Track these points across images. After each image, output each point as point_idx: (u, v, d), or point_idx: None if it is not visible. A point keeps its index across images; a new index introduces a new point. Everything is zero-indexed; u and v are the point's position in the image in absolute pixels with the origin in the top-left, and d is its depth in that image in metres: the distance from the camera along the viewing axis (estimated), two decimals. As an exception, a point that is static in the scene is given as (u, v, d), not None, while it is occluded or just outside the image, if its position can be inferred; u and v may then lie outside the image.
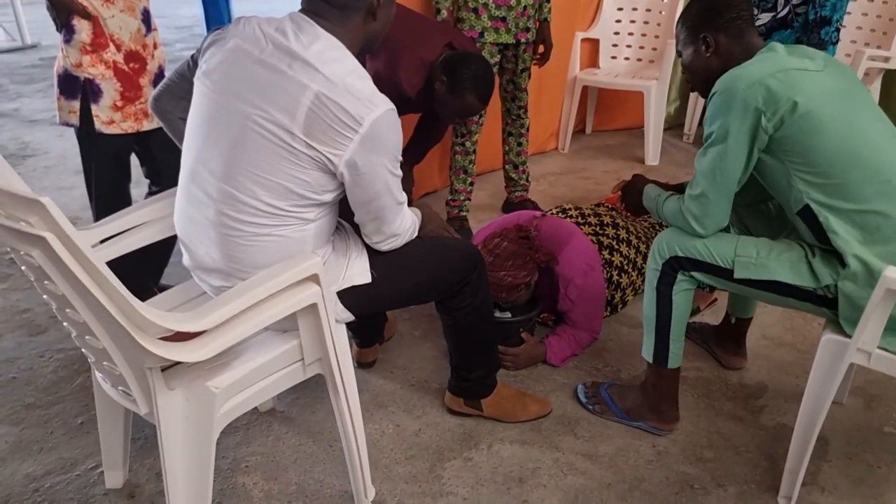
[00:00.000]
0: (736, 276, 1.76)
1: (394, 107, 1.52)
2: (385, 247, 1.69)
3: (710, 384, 2.27)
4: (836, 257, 1.66)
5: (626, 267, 2.62)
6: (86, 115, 2.20)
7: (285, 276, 1.45)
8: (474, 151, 3.21)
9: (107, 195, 2.36)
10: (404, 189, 2.83)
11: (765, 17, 2.34)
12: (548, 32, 3.16)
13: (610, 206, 2.94)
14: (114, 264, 1.37)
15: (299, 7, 1.58)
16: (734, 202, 1.76)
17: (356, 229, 1.72)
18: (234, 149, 1.50)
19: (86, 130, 2.23)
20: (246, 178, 1.50)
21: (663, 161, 4.21)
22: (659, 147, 4.20)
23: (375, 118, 1.47)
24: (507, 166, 3.45)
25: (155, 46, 2.36)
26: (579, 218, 2.71)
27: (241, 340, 1.47)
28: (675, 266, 1.84)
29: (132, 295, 1.27)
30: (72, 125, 2.24)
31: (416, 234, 1.76)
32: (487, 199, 3.71)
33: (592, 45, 4.40)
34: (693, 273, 1.83)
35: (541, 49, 3.17)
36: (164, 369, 1.45)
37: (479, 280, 1.89)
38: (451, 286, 1.85)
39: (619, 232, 2.67)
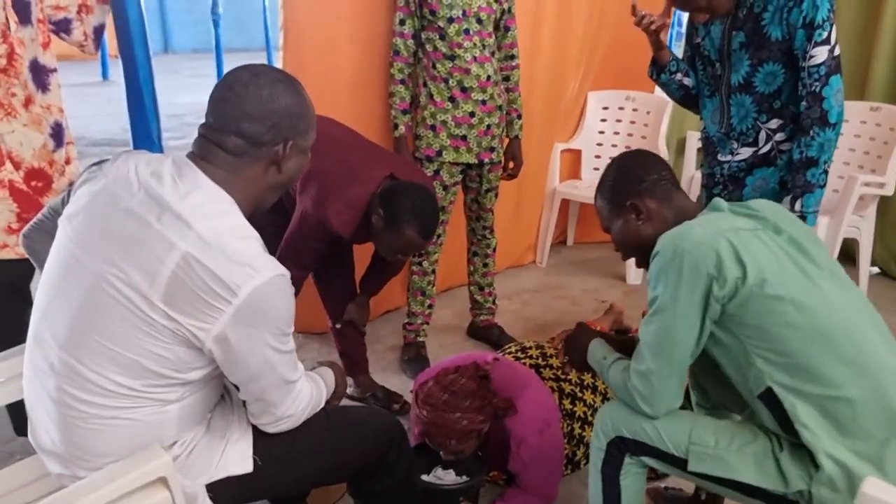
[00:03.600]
0: (690, 468, 1.46)
1: (284, 272, 1.26)
2: (273, 430, 1.40)
3: (680, 573, 1.93)
4: (808, 453, 1.36)
5: (590, 417, 2.31)
6: (-25, 238, 1.96)
7: (119, 482, 1.16)
8: (433, 272, 2.95)
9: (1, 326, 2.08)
10: (358, 322, 2.59)
11: (745, 153, 2.11)
12: (518, 150, 2.95)
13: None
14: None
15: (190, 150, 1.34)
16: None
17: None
18: (82, 313, 1.23)
19: (-24, 255, 1.99)
20: (92, 349, 1.22)
21: (646, 279, 3.93)
22: (642, 265, 3.95)
23: (256, 287, 1.20)
24: (472, 287, 3.18)
25: (67, 162, 2.14)
26: (540, 359, 2.42)
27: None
28: (620, 447, 1.55)
29: None
30: (-41, 248, 1.99)
31: (319, 408, 1.47)
32: (453, 318, 3.43)
33: (574, 155, 4.22)
34: (642, 457, 1.54)
35: (511, 166, 2.97)
36: None
37: (399, 459, 1.59)
38: (363, 469, 1.55)
39: (582, 376, 2.37)
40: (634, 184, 1.56)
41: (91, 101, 9.69)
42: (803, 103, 1.95)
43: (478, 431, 1.97)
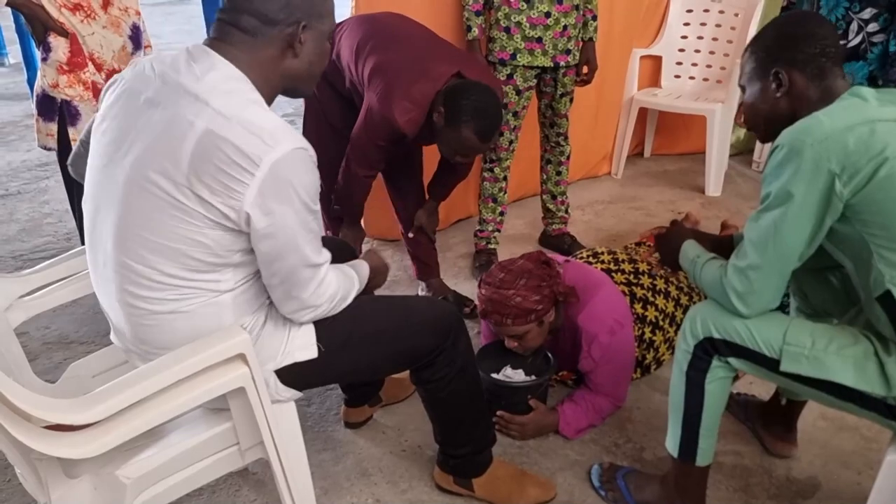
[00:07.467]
0: (783, 368, 1.43)
1: (306, 145, 1.26)
2: (301, 318, 1.41)
3: (749, 475, 1.92)
4: None
5: (661, 322, 2.29)
6: (63, 139, 2.05)
7: (201, 356, 1.22)
8: (505, 178, 2.93)
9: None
10: (427, 228, 2.61)
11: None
12: (592, 53, 2.84)
13: (651, 245, 2.60)
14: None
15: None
16: None
17: None
18: (123, 209, 1.27)
19: (64, 155, 2.08)
20: (138, 243, 1.26)
21: (727, 192, 3.81)
22: (722, 176, 3.81)
23: (277, 158, 1.20)
24: (544, 196, 3.14)
25: (146, 65, 2.18)
26: (612, 264, 2.39)
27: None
28: (708, 349, 1.52)
29: (10, 380, 1.07)
30: (50, 149, 2.09)
31: (346, 302, 1.46)
32: (525, 228, 3.41)
33: (654, 62, 4.04)
34: (730, 359, 1.51)
35: (584, 70, 2.86)
36: (63, 455, 1.24)
37: (456, 348, 1.62)
38: (420, 357, 1.58)
39: (655, 282, 2.34)
40: (790, 50, 1.43)
41: (171, 19, 9.87)
42: (909, -13, 1.80)
43: (536, 314, 1.95)
